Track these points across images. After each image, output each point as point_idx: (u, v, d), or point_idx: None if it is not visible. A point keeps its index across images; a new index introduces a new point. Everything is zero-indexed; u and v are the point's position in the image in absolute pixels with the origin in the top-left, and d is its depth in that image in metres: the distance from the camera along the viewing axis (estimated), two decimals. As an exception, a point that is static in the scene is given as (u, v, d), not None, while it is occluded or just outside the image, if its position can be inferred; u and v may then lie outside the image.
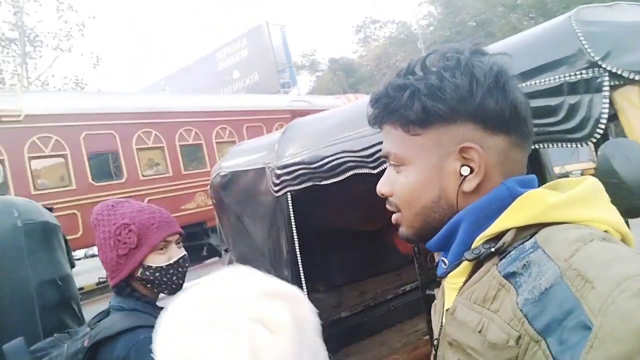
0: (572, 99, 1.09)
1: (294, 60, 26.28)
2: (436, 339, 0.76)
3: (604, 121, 1.03)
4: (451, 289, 0.71)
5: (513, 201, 0.63)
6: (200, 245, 13.14)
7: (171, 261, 1.43)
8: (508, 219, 0.62)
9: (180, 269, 1.46)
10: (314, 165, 1.85)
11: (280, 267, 2.11)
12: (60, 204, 9.83)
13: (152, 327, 0.93)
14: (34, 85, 19.29)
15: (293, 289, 0.77)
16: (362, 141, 1.64)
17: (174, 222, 1.50)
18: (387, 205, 0.75)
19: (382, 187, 0.75)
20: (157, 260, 1.41)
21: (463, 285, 0.67)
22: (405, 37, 33.91)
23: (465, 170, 0.66)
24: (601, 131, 1.05)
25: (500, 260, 0.61)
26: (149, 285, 1.43)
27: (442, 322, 0.75)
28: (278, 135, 2.22)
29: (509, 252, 0.60)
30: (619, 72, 1.03)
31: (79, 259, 16.16)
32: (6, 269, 2.01)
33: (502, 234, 0.62)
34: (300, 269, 2.06)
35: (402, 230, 0.74)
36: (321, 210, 2.41)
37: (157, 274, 1.41)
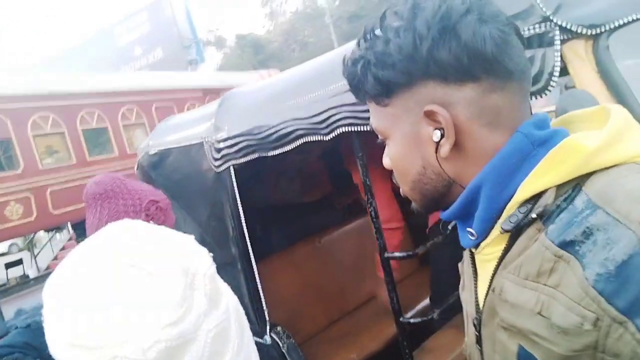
0: (526, 54, 1.13)
1: (200, 37, 25.17)
2: (476, 317, 0.67)
3: (557, 74, 1.08)
4: (485, 260, 0.63)
5: (535, 149, 0.56)
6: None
7: None
8: (544, 175, 0.54)
9: None
10: (259, 136, 1.77)
11: (227, 244, 2.03)
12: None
13: None
14: None
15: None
16: (312, 107, 1.58)
17: None
18: (394, 179, 0.70)
19: (385, 162, 0.69)
20: None
21: (503, 258, 0.59)
22: (312, 12, 33.78)
23: (436, 135, 0.59)
24: (554, 84, 1.10)
25: (545, 223, 0.53)
26: None
27: (476, 300, 0.67)
28: (214, 108, 2.09)
29: (557, 215, 0.52)
30: (568, 27, 1.09)
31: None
32: None
33: (539, 193, 0.54)
34: (248, 244, 2.00)
35: (415, 202, 0.69)
36: (262, 183, 2.34)
37: None
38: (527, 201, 0.55)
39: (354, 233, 2.93)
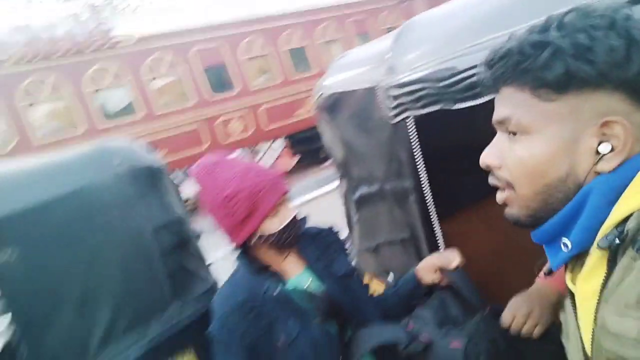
0: None
1: None
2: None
3: None
4: (585, 299, 0.62)
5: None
6: (317, 148, 13.31)
7: (284, 224, 1.34)
8: (632, 198, 0.57)
9: (292, 229, 1.37)
10: (442, 84, 1.37)
11: (406, 206, 1.76)
12: (184, 120, 10.40)
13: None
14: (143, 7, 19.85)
15: None
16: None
17: (282, 181, 1.38)
18: (493, 180, 0.70)
19: (488, 158, 0.69)
20: (269, 227, 1.32)
21: (602, 290, 0.59)
22: None
23: (605, 148, 0.60)
24: None
25: (638, 251, 0.54)
26: (261, 251, 1.38)
27: (582, 344, 0.66)
28: (390, 42, 1.71)
29: None
30: None
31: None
32: (117, 220, 1.93)
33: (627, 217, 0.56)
34: (431, 207, 1.69)
35: (513, 211, 0.69)
36: (448, 133, 1.93)
37: (270, 241, 1.34)
38: (621, 223, 0.56)
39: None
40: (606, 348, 0.59)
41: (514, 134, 0.65)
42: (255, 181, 1.29)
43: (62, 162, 2.01)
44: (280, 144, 15.49)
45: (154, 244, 1.99)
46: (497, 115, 0.67)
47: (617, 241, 0.55)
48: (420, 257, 1.72)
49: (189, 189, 6.96)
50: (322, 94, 2.11)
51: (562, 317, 0.77)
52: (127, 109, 9.99)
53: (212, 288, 2.20)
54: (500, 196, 0.68)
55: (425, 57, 1.49)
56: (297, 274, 1.42)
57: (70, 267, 1.75)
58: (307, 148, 13.67)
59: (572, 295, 0.69)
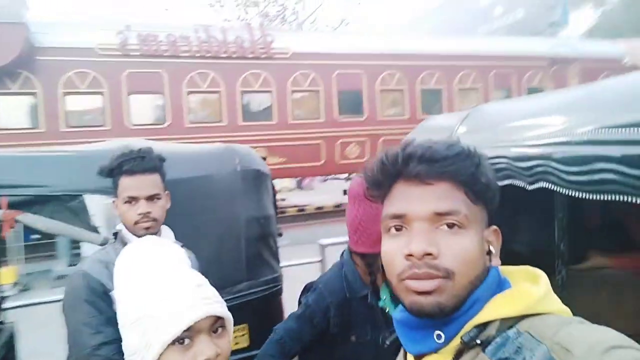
0: None
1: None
2: None
3: None
4: None
5: (499, 284, 0.73)
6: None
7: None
8: (500, 309, 0.69)
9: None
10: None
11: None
12: (309, 134, 11.32)
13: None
14: (306, 23, 21.69)
15: None
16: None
17: None
18: (426, 269, 0.68)
19: (429, 247, 0.69)
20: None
21: None
22: None
23: (493, 249, 0.75)
24: None
25: (485, 345, 0.67)
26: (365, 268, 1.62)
27: None
28: (459, 119, 2.09)
29: (494, 339, 0.67)
30: None
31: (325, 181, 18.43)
32: (224, 205, 2.53)
33: (488, 321, 0.69)
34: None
35: (440, 299, 0.68)
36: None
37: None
38: (480, 325, 0.69)
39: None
40: None
41: (451, 227, 0.70)
42: None
43: (199, 151, 2.69)
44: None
45: (243, 230, 2.55)
46: (439, 207, 0.71)
47: (478, 340, 0.67)
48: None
49: (296, 198, 7.57)
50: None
51: None
52: (265, 113, 11.23)
53: (278, 278, 2.73)
54: (430, 284, 0.68)
55: (472, 139, 1.84)
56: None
57: (182, 232, 2.32)
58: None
59: None
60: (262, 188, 2.78)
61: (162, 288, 0.88)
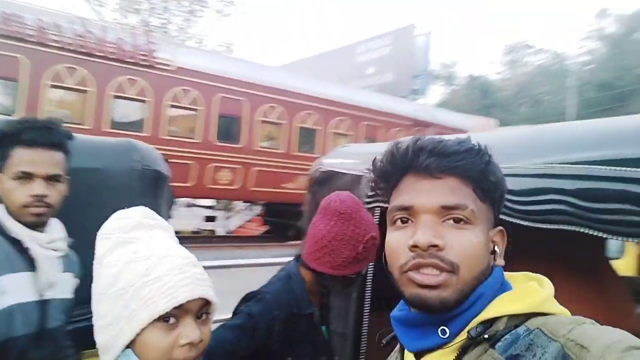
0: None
1: (431, 69, 25.69)
2: None
3: None
4: None
5: (502, 284, 0.74)
6: (288, 225, 13.60)
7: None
8: (508, 305, 0.69)
9: (353, 284, 1.59)
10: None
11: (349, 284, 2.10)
12: (181, 153, 10.79)
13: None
14: (191, 41, 21.16)
15: None
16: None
17: None
18: (434, 260, 0.68)
19: (435, 239, 0.69)
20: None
21: None
22: (556, 71, 31.34)
23: (498, 248, 0.76)
24: None
25: (493, 342, 0.67)
26: (324, 290, 1.55)
27: None
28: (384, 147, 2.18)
29: (503, 336, 0.67)
30: None
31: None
32: (116, 206, 2.23)
33: (494, 318, 0.69)
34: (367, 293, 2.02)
35: (445, 294, 0.68)
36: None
37: (340, 286, 1.53)
38: (486, 321, 0.69)
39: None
40: None
41: (458, 221, 0.70)
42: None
43: (93, 141, 2.36)
44: (255, 208, 15.75)
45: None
46: (446, 201, 0.70)
47: (486, 335, 0.67)
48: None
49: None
50: (320, 167, 2.52)
51: None
52: (137, 123, 10.45)
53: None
54: (436, 279, 0.68)
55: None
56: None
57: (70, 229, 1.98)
58: (279, 222, 13.91)
59: None
60: (160, 191, 2.52)
61: (157, 260, 0.80)
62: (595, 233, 1.12)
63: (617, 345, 0.56)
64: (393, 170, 0.77)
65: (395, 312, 0.78)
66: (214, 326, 1.03)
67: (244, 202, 14.92)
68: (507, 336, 0.66)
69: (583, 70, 28.27)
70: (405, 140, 0.77)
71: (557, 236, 1.24)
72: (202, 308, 0.82)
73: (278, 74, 13.13)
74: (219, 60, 12.27)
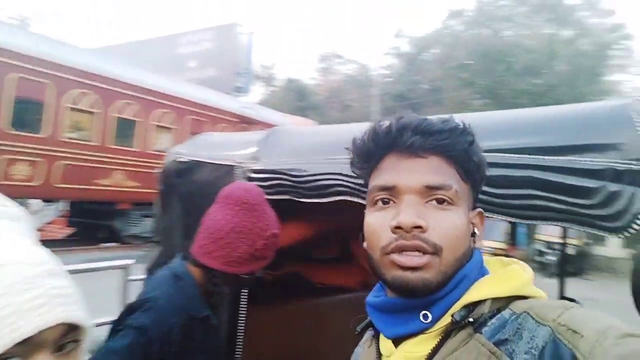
0: (613, 187, 1.05)
1: (253, 68, 26.02)
2: None
3: (645, 218, 0.99)
4: (409, 358, 0.68)
5: (481, 268, 0.72)
6: (98, 225, 12.24)
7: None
8: (492, 288, 0.68)
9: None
10: (297, 179, 1.69)
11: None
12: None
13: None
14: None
15: None
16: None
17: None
18: (417, 242, 0.66)
19: (418, 220, 0.66)
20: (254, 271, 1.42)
21: (432, 355, 0.66)
22: (362, 80, 34.82)
23: (478, 229, 0.74)
24: (637, 227, 1.01)
25: (477, 326, 0.64)
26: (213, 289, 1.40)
27: None
28: (258, 137, 2.04)
29: (487, 320, 0.65)
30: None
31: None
32: None
33: (477, 301, 0.67)
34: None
35: (427, 275, 0.66)
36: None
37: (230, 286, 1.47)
38: (469, 305, 0.67)
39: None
40: None
41: (441, 202, 0.68)
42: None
43: None
44: (58, 208, 13.75)
45: None
46: (430, 180, 0.68)
47: (470, 319, 0.64)
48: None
49: None
50: (178, 157, 2.24)
51: (361, 353, 0.82)
52: None
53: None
54: (418, 260, 0.65)
55: (288, 156, 1.82)
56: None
57: None
58: (88, 222, 12.50)
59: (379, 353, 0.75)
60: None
61: None
62: (502, 218, 1.19)
63: (611, 332, 0.55)
64: (375, 149, 0.74)
65: (371, 298, 0.76)
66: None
67: (47, 200, 12.85)
68: (493, 320, 0.64)
69: (384, 82, 31.96)
70: (388, 118, 0.75)
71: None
72: (65, 335, 0.58)
73: (93, 58, 11.58)
74: (16, 35, 10.21)
